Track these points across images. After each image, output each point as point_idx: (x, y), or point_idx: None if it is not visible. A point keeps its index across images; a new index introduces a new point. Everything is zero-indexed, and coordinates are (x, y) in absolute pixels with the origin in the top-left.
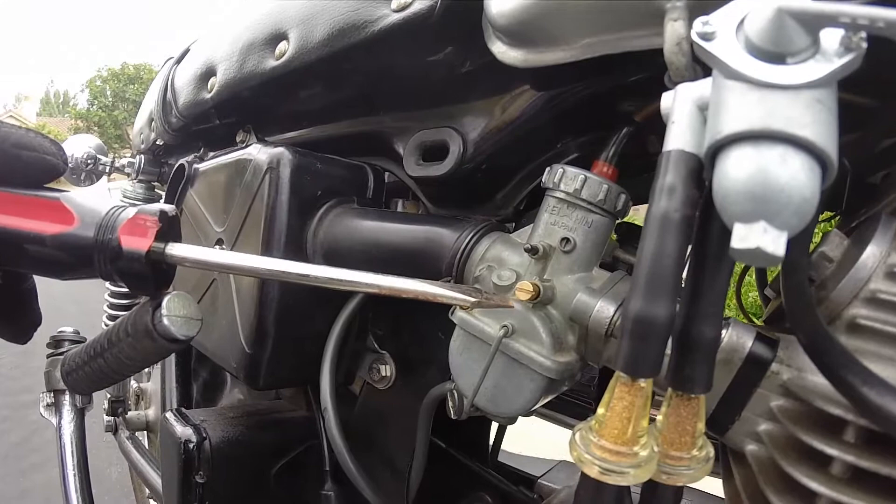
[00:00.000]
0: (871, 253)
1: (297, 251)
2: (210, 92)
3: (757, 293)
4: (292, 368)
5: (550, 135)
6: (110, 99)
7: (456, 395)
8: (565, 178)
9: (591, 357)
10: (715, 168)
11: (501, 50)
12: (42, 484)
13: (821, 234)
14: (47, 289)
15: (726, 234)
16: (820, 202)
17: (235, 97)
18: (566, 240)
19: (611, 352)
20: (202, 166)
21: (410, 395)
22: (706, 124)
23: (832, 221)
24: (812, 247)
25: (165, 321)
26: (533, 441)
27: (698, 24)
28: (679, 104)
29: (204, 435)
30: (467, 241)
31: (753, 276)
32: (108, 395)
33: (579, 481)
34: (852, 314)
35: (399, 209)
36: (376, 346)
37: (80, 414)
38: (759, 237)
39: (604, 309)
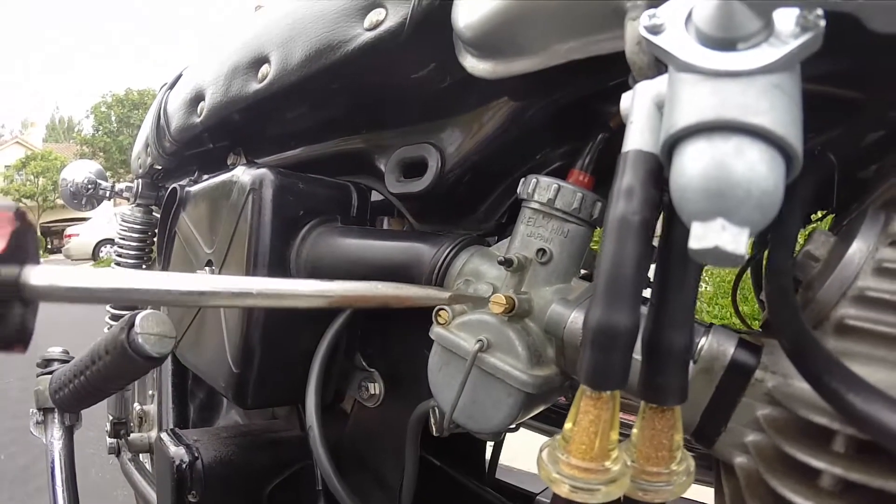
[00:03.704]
0: (858, 249)
1: (281, 270)
2: (200, 116)
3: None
4: (280, 387)
5: (530, 146)
6: (115, 124)
7: (437, 411)
8: (539, 188)
9: (571, 370)
10: (671, 165)
11: (472, 63)
12: None
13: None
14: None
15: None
16: (794, 196)
17: (223, 120)
18: (542, 251)
19: None
20: (193, 189)
21: (399, 412)
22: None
23: (826, 220)
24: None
25: (139, 339)
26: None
27: (645, 18)
28: (638, 103)
29: (196, 455)
30: (445, 255)
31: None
32: (111, 417)
33: (551, 500)
34: (840, 314)
35: (385, 226)
36: (364, 364)
37: (68, 432)
38: (717, 235)
39: (578, 320)
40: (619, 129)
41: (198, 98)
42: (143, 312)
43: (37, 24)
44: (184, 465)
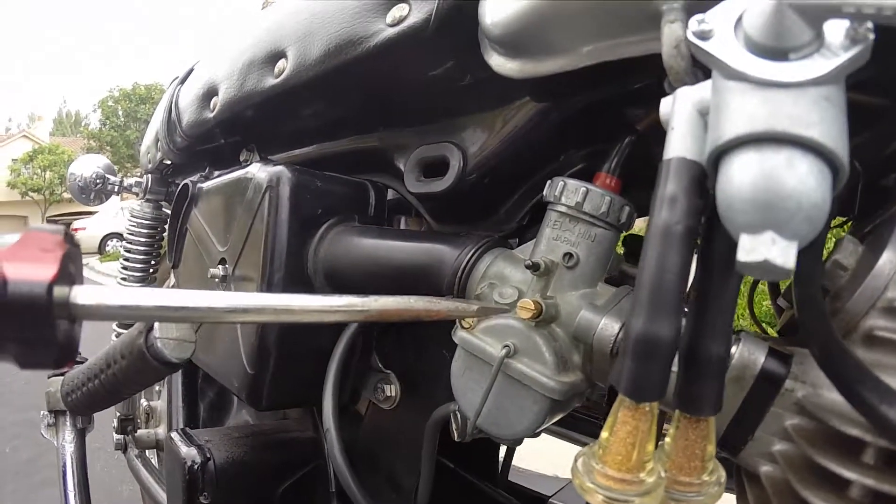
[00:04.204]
0: (888, 259)
1: (297, 270)
2: (212, 111)
3: (770, 302)
4: (295, 389)
5: (553, 147)
6: (122, 119)
7: (459, 416)
8: (566, 191)
9: (598, 377)
10: (718, 175)
11: (498, 62)
12: (55, 500)
13: (833, 239)
14: None
15: (733, 245)
16: (832, 207)
17: (237, 116)
18: (569, 255)
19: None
20: (205, 186)
21: (416, 415)
22: (707, 129)
23: (844, 227)
24: (825, 254)
25: (158, 344)
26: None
27: (694, 23)
28: (679, 109)
29: (208, 455)
30: (468, 257)
31: (766, 284)
32: (118, 414)
33: None
34: (869, 325)
35: (402, 226)
36: (381, 365)
37: (80, 434)
38: (766, 249)
39: (608, 326)
40: (647, 133)
41: (211, 93)
42: None
43: (37, 24)
44: (195, 466)
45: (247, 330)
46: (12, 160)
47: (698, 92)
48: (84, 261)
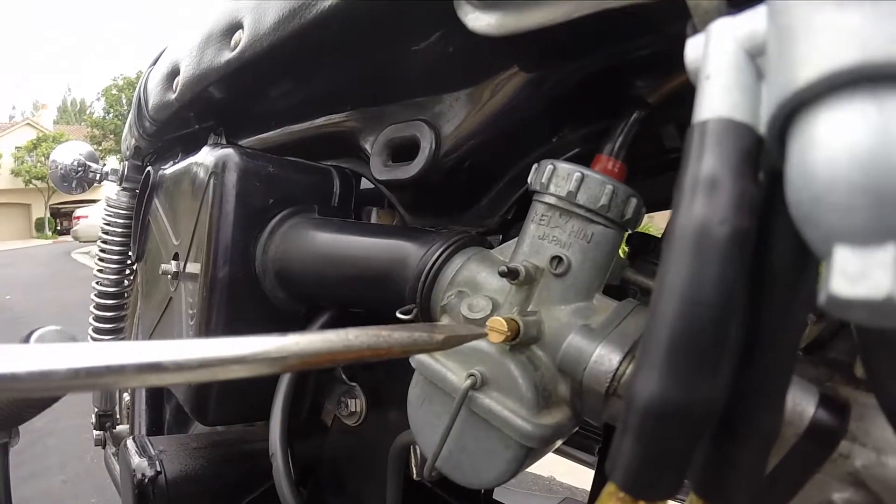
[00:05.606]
0: None
1: (244, 269)
2: (175, 92)
3: None
4: (245, 403)
5: (544, 126)
6: (126, 107)
7: (419, 451)
8: (556, 177)
9: (590, 414)
10: (790, 145)
11: (473, 17)
12: (42, 492)
13: None
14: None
15: (808, 264)
16: None
17: (198, 96)
18: (558, 259)
19: (615, 409)
20: (166, 173)
21: (384, 433)
22: (765, 77)
23: None
24: None
25: None
26: None
27: None
28: (716, 50)
29: (159, 469)
30: (435, 258)
31: None
32: (96, 409)
33: None
34: None
35: (373, 219)
36: (345, 377)
37: (1, 449)
38: (889, 276)
39: (604, 358)
40: (659, 109)
41: (174, 73)
42: (41, 330)
43: (37, 24)
44: (145, 480)
45: (189, 336)
46: (16, 148)
47: (745, 23)
48: (86, 249)
